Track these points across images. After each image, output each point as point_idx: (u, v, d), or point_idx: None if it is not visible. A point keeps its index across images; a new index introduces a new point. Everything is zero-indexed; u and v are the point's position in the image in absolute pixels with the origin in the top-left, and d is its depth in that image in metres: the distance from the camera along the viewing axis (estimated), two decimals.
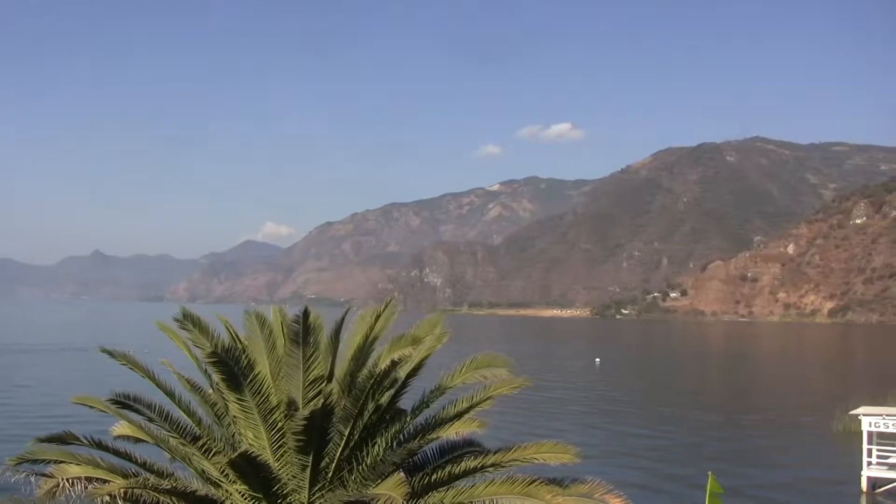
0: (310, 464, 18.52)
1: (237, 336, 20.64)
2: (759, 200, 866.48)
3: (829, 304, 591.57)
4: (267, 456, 18.52)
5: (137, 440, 20.30)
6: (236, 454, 17.25)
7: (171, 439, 19.64)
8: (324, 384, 18.96)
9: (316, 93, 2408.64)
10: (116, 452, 19.96)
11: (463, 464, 19.83)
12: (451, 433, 20.07)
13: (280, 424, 18.74)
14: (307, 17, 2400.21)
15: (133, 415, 20.06)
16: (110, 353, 20.51)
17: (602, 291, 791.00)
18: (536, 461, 19.74)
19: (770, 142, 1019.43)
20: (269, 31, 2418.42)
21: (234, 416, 19.44)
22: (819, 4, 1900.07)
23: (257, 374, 18.63)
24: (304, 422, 17.69)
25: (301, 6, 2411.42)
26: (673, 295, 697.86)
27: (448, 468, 19.80)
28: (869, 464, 57.26)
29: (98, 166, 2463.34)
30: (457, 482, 19.60)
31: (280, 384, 19.31)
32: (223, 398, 19.78)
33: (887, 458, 57.82)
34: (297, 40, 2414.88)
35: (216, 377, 19.22)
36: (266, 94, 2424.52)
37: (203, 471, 19.38)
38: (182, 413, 20.41)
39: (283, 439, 18.65)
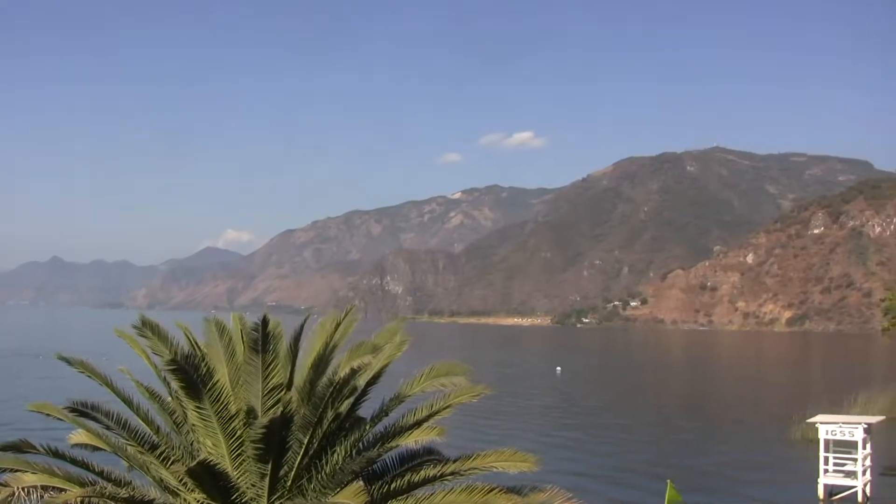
0: (269, 472, 18.49)
1: (196, 343, 20.57)
2: (719, 210, 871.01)
3: (788, 313, 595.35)
4: (226, 464, 18.48)
5: (95, 448, 20.19)
6: (195, 462, 17.20)
7: (129, 447, 19.54)
8: (283, 392, 18.96)
9: (278, 99, 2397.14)
10: (73, 461, 19.85)
11: (422, 472, 19.85)
12: (411, 441, 20.08)
13: (239, 433, 18.70)
14: (275, 23, 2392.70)
15: (91, 423, 19.95)
16: (67, 361, 20.38)
17: (563, 300, 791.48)
18: (496, 469, 19.79)
19: (730, 152, 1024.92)
20: (234, 36, 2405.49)
21: (193, 425, 19.38)
22: (777, 14, 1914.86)
23: (216, 382, 18.59)
24: (264, 430, 17.66)
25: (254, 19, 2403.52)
26: (633, 303, 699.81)
27: (407, 476, 19.81)
28: (826, 471, 57.73)
29: (57, 171, 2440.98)
30: (416, 490, 19.60)
31: (239, 392, 19.26)
32: (182, 406, 19.71)
33: (843, 465, 58.32)
34: (260, 46, 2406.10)
35: (175, 385, 19.16)
36: (227, 99, 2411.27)
37: (161, 479, 19.29)
38: (140, 421, 20.30)
39: (242, 447, 18.62)
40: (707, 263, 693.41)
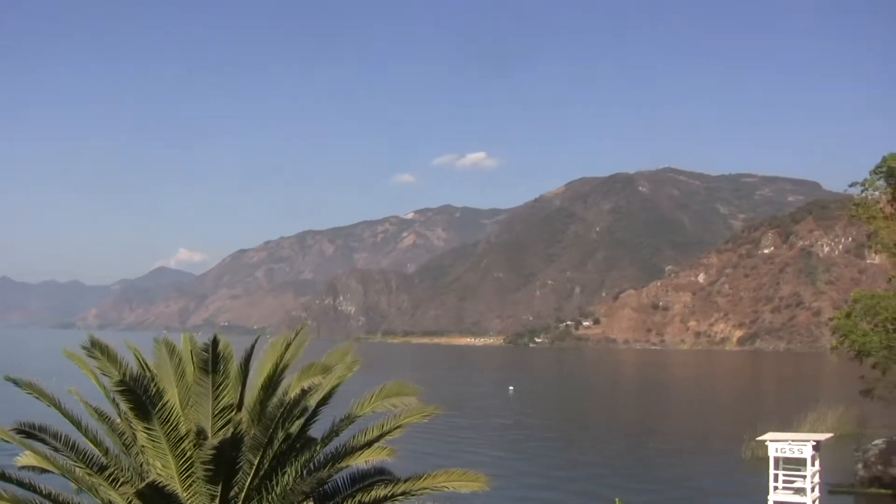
0: (219, 493, 18.41)
1: (146, 364, 20.46)
2: (671, 230, 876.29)
3: (739, 333, 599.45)
4: (175, 486, 18.36)
5: (43, 471, 20.00)
6: (144, 484, 17.10)
7: (77, 469, 19.36)
8: (233, 413, 18.89)
9: (231, 118, 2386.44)
10: (20, 483, 19.62)
11: (373, 492, 19.85)
12: (362, 461, 20.06)
13: (189, 454, 18.60)
14: (221, 42, 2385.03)
15: (38, 445, 19.75)
16: (15, 382, 20.20)
17: (515, 319, 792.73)
18: (447, 489, 19.83)
19: (681, 172, 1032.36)
20: (187, 53, 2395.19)
21: (143, 446, 19.26)
22: (727, 36, 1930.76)
23: (166, 403, 18.48)
24: (214, 451, 17.59)
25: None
26: (585, 323, 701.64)
27: (358, 497, 19.81)
28: (775, 488, 58.02)
29: (6, 189, 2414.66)
30: None
31: (189, 413, 19.17)
32: (131, 427, 19.58)
33: (793, 482, 58.70)
34: (209, 65, 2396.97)
35: (124, 406, 19.03)
36: (180, 118, 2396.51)
37: (110, 501, 19.15)
38: (89, 443, 20.13)
39: (192, 469, 18.52)
40: (659, 283, 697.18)
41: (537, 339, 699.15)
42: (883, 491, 68.05)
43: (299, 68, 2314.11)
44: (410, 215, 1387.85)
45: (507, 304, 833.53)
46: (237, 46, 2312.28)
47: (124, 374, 18.22)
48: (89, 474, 19.25)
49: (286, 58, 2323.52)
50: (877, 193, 70.04)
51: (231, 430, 17.97)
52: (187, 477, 18.63)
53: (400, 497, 19.75)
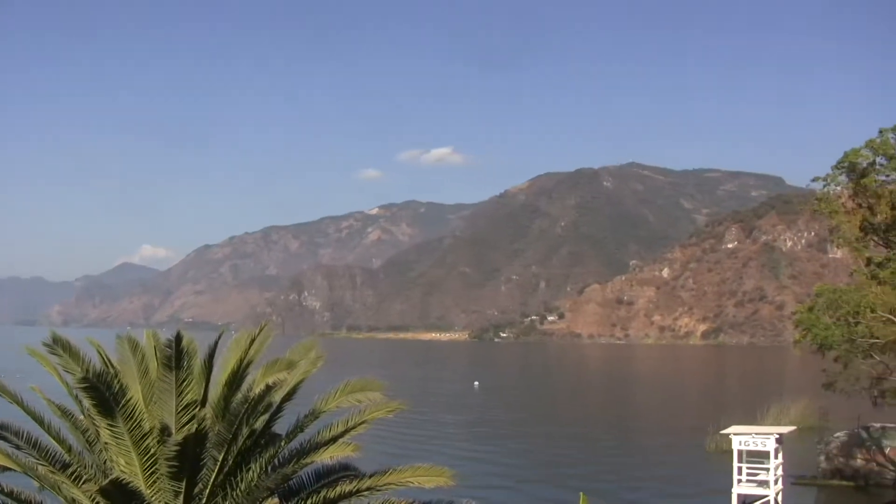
0: (183, 490, 18.33)
1: (109, 361, 20.33)
2: (635, 225, 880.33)
3: (703, 327, 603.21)
4: (139, 482, 18.27)
5: (4, 469, 19.82)
6: (107, 481, 17.01)
7: (39, 467, 19.22)
8: (197, 409, 18.79)
9: (194, 113, 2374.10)
10: None
11: (338, 488, 19.80)
12: (326, 457, 20.05)
13: (153, 450, 18.50)
14: (190, 42, 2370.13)
15: (0, 443, 19.62)
16: None
17: (481, 315, 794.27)
18: (412, 484, 19.82)
19: (645, 168, 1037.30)
20: (144, 49, 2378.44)
21: (106, 443, 19.14)
22: (689, 32, 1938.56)
23: (129, 400, 18.37)
24: (177, 447, 17.52)
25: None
26: (550, 318, 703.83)
27: (323, 492, 19.76)
28: (739, 481, 58.46)
29: None
30: None
31: (153, 409, 19.08)
32: (94, 424, 19.46)
33: (756, 475, 59.14)
34: (172, 60, 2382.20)
35: (87, 403, 18.90)
36: (142, 114, 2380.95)
37: (73, 499, 19.02)
38: (52, 440, 19.99)
39: (156, 465, 18.42)
40: (623, 278, 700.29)
41: (502, 334, 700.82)
42: (845, 483, 68.70)
43: (262, 63, 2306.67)
44: (375, 211, 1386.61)
45: (472, 300, 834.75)
46: (202, 40, 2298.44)
47: (87, 371, 18.09)
48: (52, 472, 19.12)
49: (249, 53, 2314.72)
50: (838, 188, 70.47)
51: (195, 426, 17.87)
52: (151, 474, 18.53)
53: (365, 492, 19.73)
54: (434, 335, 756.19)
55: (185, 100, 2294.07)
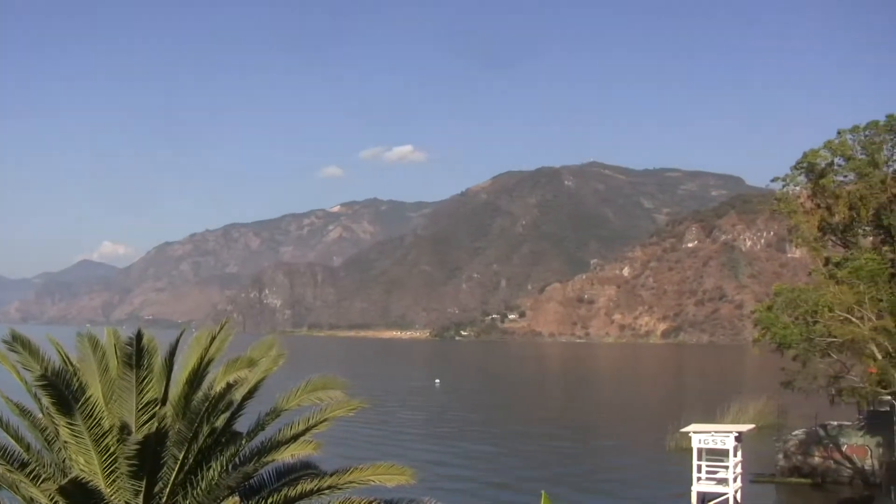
0: (143, 489, 18.25)
1: (69, 359, 20.20)
2: (596, 224, 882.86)
3: (663, 326, 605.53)
4: (98, 481, 18.18)
5: None
6: (66, 480, 16.92)
7: None
8: (158, 407, 18.73)
9: (155, 107, 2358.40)
10: None
11: (299, 486, 19.78)
12: (287, 456, 20.03)
13: (112, 449, 18.40)
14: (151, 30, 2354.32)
15: None
16: None
17: (441, 313, 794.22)
18: (373, 483, 19.83)
19: (606, 167, 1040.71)
20: (113, 36, 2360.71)
21: (65, 441, 19.02)
22: (649, 30, 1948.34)
23: (89, 398, 18.26)
24: (138, 446, 17.44)
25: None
26: (511, 316, 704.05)
27: (284, 491, 19.73)
28: (699, 479, 58.97)
29: None
30: None
31: (113, 408, 18.97)
32: (53, 423, 19.35)
33: (715, 473, 59.65)
34: (145, 52, 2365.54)
35: (46, 401, 18.79)
36: (102, 106, 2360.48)
37: (31, 498, 18.88)
38: (10, 438, 19.83)
39: (116, 464, 18.33)
40: (584, 277, 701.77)
41: (463, 333, 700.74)
42: (802, 480, 69.36)
43: (223, 60, 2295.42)
44: (336, 208, 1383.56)
45: (434, 298, 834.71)
46: (163, 36, 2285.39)
47: (46, 369, 17.99)
48: (10, 471, 18.96)
49: (211, 50, 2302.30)
50: (797, 188, 71.22)
51: (155, 424, 17.82)
52: (111, 473, 18.44)
53: (326, 491, 19.72)
54: (395, 333, 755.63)
55: (147, 96, 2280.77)
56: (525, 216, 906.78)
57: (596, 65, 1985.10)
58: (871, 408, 69.46)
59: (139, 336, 18.18)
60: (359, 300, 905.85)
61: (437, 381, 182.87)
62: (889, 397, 60.61)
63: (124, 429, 18.57)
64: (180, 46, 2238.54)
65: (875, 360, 53.42)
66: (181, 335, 20.37)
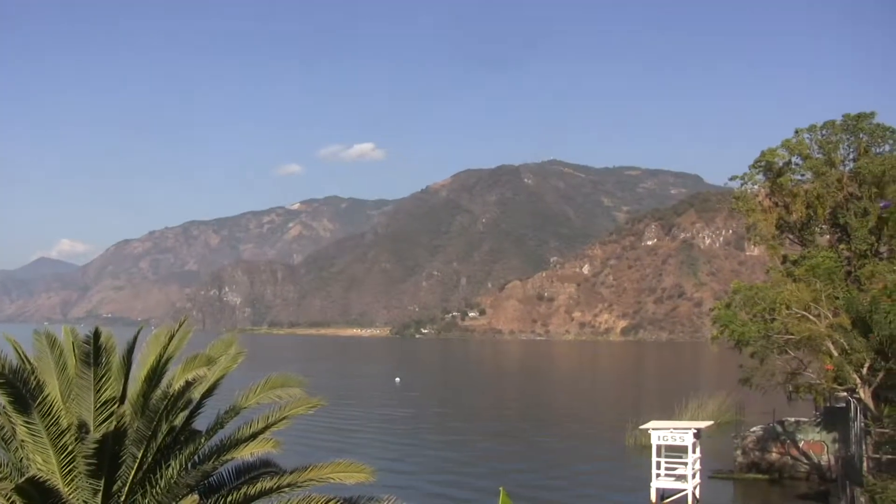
0: (101, 488, 18.14)
1: (26, 357, 20.05)
2: (556, 222, 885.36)
3: (622, 323, 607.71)
4: (56, 481, 18.04)
5: None
6: (24, 479, 16.77)
7: None
8: (116, 406, 18.62)
9: (112, 106, 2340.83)
10: None
11: (259, 484, 19.72)
12: (247, 454, 19.96)
13: (70, 448, 18.28)
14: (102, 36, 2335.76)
15: None
16: None
17: (402, 311, 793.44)
18: (333, 480, 19.81)
19: (566, 165, 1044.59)
20: (72, 43, 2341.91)
21: (22, 440, 18.87)
22: (608, 30, 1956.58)
23: (47, 396, 18.13)
24: (96, 445, 17.35)
25: None
26: (471, 314, 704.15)
27: (244, 489, 19.67)
28: (658, 475, 59.39)
29: None
30: (253, 503, 19.50)
31: (71, 406, 18.86)
32: (10, 421, 19.18)
33: (674, 469, 60.07)
34: (99, 48, 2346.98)
35: (3, 399, 18.61)
36: (61, 105, 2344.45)
37: None
38: None
39: (74, 463, 18.21)
40: (544, 274, 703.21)
41: (423, 330, 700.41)
42: (760, 476, 69.95)
43: (183, 57, 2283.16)
44: (296, 206, 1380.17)
45: (394, 296, 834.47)
46: (120, 31, 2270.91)
47: (3, 367, 17.82)
48: None
49: (170, 44, 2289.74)
50: (755, 187, 71.80)
51: (114, 423, 17.71)
52: (69, 472, 18.32)
53: (286, 489, 19.68)
54: (355, 331, 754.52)
55: (107, 93, 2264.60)
56: (485, 214, 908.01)
57: (556, 64, 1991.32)
58: (828, 404, 70.15)
59: (97, 334, 18.08)
60: (319, 298, 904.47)
61: (398, 379, 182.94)
62: (845, 394, 61.16)
63: (82, 427, 18.45)
64: (140, 43, 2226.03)
65: (831, 357, 53.87)
66: (139, 333, 20.28)
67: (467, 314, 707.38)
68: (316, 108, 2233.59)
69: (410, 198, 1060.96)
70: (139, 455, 18.54)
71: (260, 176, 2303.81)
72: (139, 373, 19.66)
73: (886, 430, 49.47)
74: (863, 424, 53.99)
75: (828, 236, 69.57)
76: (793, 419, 72.15)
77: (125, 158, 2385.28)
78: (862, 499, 45.49)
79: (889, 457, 48.20)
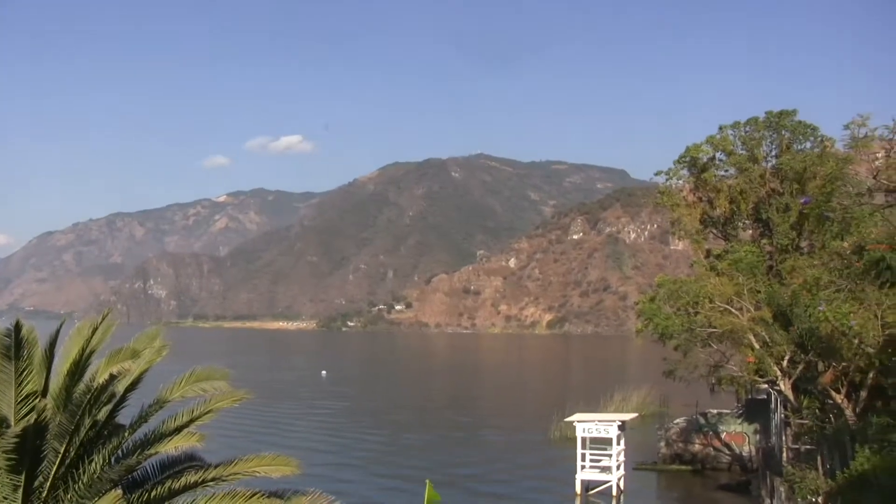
0: (22, 483, 17.93)
1: None
2: (483, 215, 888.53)
3: (548, 316, 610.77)
4: None
5: None
6: None
7: None
8: (38, 400, 18.40)
9: (38, 97, 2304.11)
10: None
11: (183, 479, 19.59)
12: (171, 448, 19.80)
13: None
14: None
15: None
16: None
17: (328, 304, 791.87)
18: (258, 474, 19.73)
19: (493, 159, 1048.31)
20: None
21: None
22: (536, 24, 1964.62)
23: None
24: (17, 439, 17.14)
25: None
26: (398, 307, 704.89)
27: (168, 484, 19.53)
28: (583, 467, 60.05)
29: None
30: (177, 498, 19.37)
31: None
32: None
33: (599, 461, 60.73)
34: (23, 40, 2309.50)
35: None
36: None
37: None
38: None
39: None
40: (470, 268, 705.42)
41: (350, 324, 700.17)
42: (683, 467, 70.79)
43: (109, 48, 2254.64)
44: (223, 198, 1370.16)
45: (320, 289, 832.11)
46: (41, 22, 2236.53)
47: None
48: None
49: (97, 35, 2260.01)
50: (680, 182, 72.57)
51: (35, 417, 17.52)
52: None
53: (211, 483, 19.57)
54: (281, 324, 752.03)
55: (30, 83, 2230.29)
56: (412, 207, 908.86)
57: (483, 57, 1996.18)
58: (749, 396, 71.17)
59: (17, 327, 17.87)
60: (245, 291, 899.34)
61: (324, 372, 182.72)
62: (766, 386, 62.00)
63: (2, 422, 18.21)
64: (70, 31, 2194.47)
65: (753, 349, 54.48)
66: (61, 325, 20.06)
67: (394, 307, 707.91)
68: (243, 100, 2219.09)
69: (337, 190, 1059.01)
70: (61, 450, 18.34)
71: (186, 168, 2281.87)
72: (62, 366, 19.45)
73: (805, 422, 50.24)
74: (783, 416, 54.79)
75: (750, 231, 70.43)
76: (715, 411, 73.09)
77: (48, 149, 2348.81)
78: (781, 488, 46.18)
79: (808, 447, 48.94)
